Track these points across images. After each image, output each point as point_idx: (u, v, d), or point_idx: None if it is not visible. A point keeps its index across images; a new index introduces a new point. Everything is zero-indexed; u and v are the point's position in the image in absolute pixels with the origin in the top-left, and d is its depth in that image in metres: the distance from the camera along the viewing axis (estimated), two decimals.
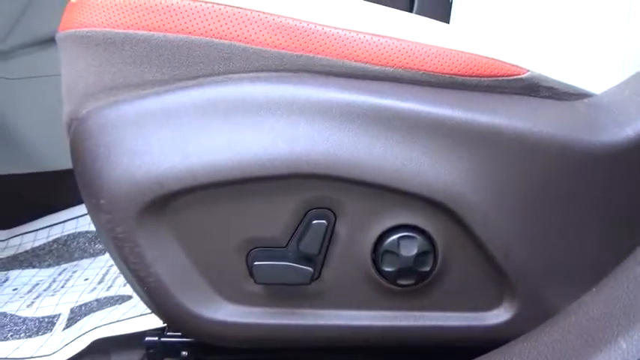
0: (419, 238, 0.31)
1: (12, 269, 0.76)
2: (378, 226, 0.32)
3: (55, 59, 0.88)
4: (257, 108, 0.30)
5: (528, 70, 0.33)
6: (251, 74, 0.31)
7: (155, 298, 0.34)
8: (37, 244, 0.84)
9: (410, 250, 0.31)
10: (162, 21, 0.31)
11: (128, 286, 0.66)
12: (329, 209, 0.32)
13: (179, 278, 0.33)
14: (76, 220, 0.86)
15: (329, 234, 0.32)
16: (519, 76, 0.33)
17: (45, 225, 0.87)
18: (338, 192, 0.31)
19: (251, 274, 0.33)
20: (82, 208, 0.88)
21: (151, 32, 0.31)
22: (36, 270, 0.75)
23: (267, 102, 0.30)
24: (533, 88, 0.33)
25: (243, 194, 0.31)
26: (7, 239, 0.87)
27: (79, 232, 0.84)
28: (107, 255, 0.78)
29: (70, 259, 0.78)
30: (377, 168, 0.30)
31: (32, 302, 0.65)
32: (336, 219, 0.32)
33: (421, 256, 0.32)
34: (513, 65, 0.33)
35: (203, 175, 0.30)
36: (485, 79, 0.32)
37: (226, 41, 0.31)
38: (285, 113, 0.30)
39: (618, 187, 0.31)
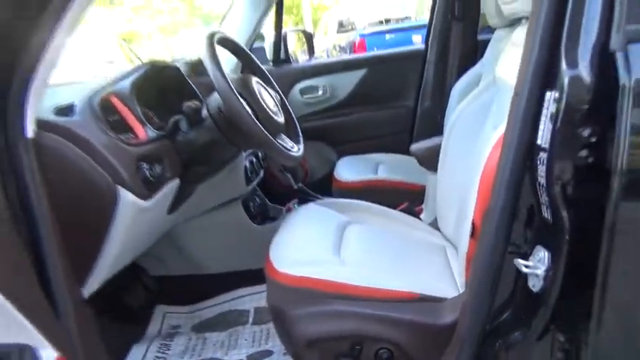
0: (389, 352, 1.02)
1: (206, 332, 1.52)
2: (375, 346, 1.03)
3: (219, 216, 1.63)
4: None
5: (419, 294, 1.04)
6: None
7: None
8: (209, 316, 1.60)
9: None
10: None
11: (269, 344, 1.40)
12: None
13: None
14: (229, 303, 1.62)
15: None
16: (413, 299, 1.04)
17: (211, 304, 1.64)
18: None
19: None
20: (231, 294, 1.64)
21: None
22: (217, 333, 1.51)
23: None
24: (423, 298, 1.04)
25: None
26: (191, 312, 1.63)
27: (230, 310, 1.60)
28: (249, 324, 1.54)
29: (232, 326, 1.53)
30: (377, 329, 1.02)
31: (227, 353, 1.40)
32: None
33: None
34: (412, 292, 1.04)
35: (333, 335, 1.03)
36: (405, 300, 1.03)
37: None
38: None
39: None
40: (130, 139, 1.05)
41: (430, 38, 2.19)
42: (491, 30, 1.74)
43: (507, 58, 1.23)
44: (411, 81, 2.25)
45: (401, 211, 1.52)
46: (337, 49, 7.91)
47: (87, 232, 0.95)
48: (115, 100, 1.08)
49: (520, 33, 1.16)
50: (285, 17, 2.30)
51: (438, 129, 1.96)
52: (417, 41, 6.19)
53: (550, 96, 0.74)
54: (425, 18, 8.89)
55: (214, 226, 1.61)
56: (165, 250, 1.61)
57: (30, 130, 0.88)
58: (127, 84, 1.13)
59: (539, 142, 0.76)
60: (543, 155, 0.74)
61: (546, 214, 0.77)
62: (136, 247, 1.18)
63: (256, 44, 2.26)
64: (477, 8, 2.09)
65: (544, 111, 0.75)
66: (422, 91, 2.23)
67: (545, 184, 0.75)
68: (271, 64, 2.29)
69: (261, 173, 1.77)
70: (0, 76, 0.82)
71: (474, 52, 2.13)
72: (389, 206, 1.53)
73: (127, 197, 0.95)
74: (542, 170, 0.75)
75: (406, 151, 2.16)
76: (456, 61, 2.15)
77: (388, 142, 2.28)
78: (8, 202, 0.81)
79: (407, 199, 1.65)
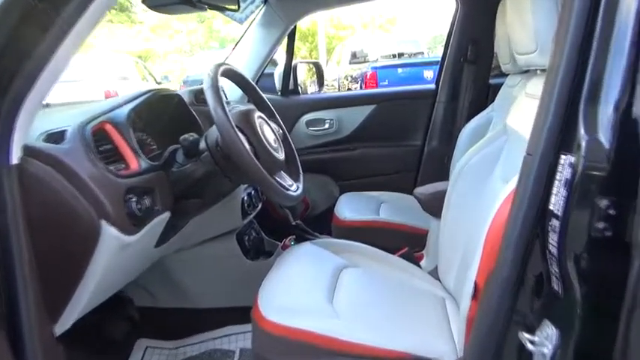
0: None
1: None
2: None
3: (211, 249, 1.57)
4: None
5: (413, 355, 0.97)
6: None
7: None
8: (193, 353, 1.53)
9: None
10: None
11: None
12: None
13: None
14: (215, 341, 1.54)
15: None
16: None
17: (195, 341, 1.56)
18: None
19: None
20: (218, 332, 1.56)
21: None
22: None
23: None
24: (416, 357, 0.97)
25: None
26: (174, 348, 1.56)
27: (215, 349, 1.52)
28: None
29: None
30: None
31: None
32: None
33: None
34: (406, 353, 0.96)
35: None
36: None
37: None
38: None
39: None
40: (121, 170, 1.00)
41: (441, 79, 2.16)
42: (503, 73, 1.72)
43: (520, 109, 1.18)
44: (419, 120, 2.22)
45: (400, 256, 1.45)
46: (349, 79, 7.97)
47: (64, 267, 0.90)
48: (110, 128, 1.03)
49: (535, 84, 1.12)
50: (300, 44, 2.29)
51: (443, 171, 1.91)
52: (429, 77, 6.23)
53: (565, 160, 0.68)
54: (438, 54, 8.99)
55: (205, 259, 1.54)
56: (152, 281, 1.55)
57: (15, 157, 0.83)
58: (124, 111, 1.09)
59: (551, 207, 0.70)
60: (555, 223, 0.69)
61: (556, 286, 0.71)
62: (116, 282, 1.12)
63: (268, 69, 2.25)
64: (489, 52, 2.07)
65: (558, 175, 0.69)
66: (430, 132, 2.20)
67: (556, 255, 0.69)
68: (279, 94, 2.27)
69: (259, 206, 1.72)
70: None
71: (485, 95, 2.11)
72: (389, 249, 1.47)
73: (109, 232, 0.90)
74: (553, 239, 0.69)
75: (410, 191, 2.10)
76: (467, 103, 2.12)
77: (392, 180, 2.23)
78: None
79: (408, 242, 1.59)
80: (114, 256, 0.94)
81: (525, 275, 0.77)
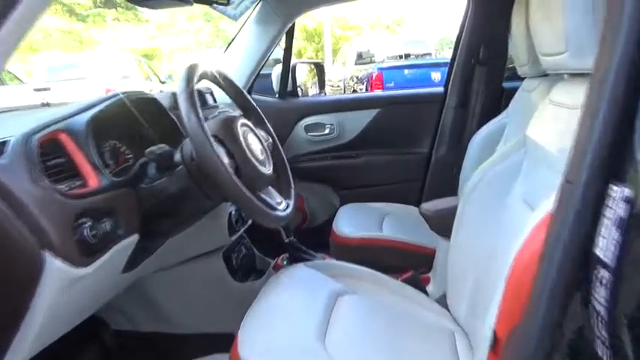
0: None
1: None
2: None
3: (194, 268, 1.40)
4: None
5: None
6: None
7: None
8: None
9: None
10: None
11: None
12: None
13: None
14: None
15: None
16: None
17: None
18: None
19: None
20: None
21: None
22: None
23: None
24: None
25: None
26: None
27: None
28: None
29: None
30: None
31: None
32: None
33: None
34: None
35: None
36: None
37: None
38: None
39: None
40: (74, 189, 0.85)
41: (451, 82, 2.00)
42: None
43: (543, 119, 1.02)
44: (426, 126, 2.06)
45: (404, 281, 1.29)
46: (354, 80, 7.83)
47: (2, 306, 0.75)
48: (65, 138, 0.88)
49: (563, 91, 0.96)
50: (306, 44, 2.15)
51: (452, 181, 1.75)
52: (436, 78, 6.07)
53: (618, 192, 0.53)
54: (445, 55, 8.81)
55: (187, 280, 1.39)
56: (129, 302, 1.40)
57: None
58: (83, 119, 0.94)
59: (598, 252, 0.54)
60: (604, 274, 0.53)
61: (601, 351, 0.55)
62: (72, 317, 0.97)
63: (267, 69, 2.10)
64: (503, 53, 1.91)
65: (607, 211, 0.54)
66: (438, 139, 2.04)
67: (604, 315, 0.53)
68: (277, 96, 2.12)
69: (250, 221, 1.56)
70: None
71: (498, 99, 1.95)
72: (392, 269, 1.32)
73: (54, 265, 0.75)
74: (600, 294, 0.53)
75: (415, 202, 1.95)
76: (478, 108, 1.96)
77: (397, 190, 2.07)
78: None
79: (413, 262, 1.44)
80: (63, 291, 0.79)
81: (562, 333, 0.61)
